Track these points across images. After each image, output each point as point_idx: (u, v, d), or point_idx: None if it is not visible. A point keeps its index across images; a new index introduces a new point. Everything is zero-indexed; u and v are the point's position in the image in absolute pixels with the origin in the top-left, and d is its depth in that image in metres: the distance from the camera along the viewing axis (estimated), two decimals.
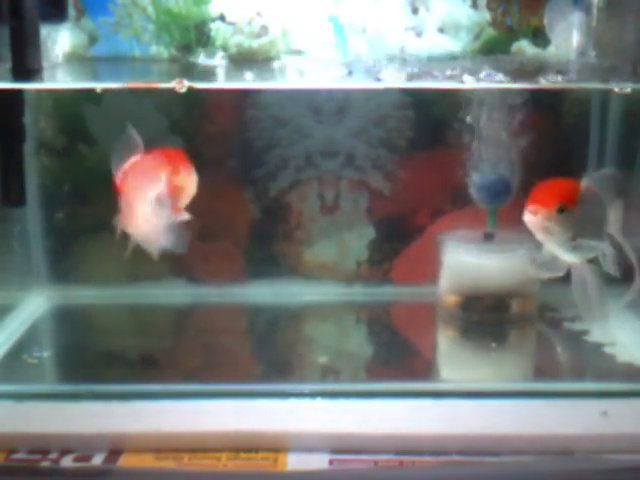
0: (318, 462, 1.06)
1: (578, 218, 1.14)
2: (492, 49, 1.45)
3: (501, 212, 1.44)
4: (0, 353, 1.34)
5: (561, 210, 1.13)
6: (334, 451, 1.08)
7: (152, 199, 1.16)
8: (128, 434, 1.10)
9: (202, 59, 1.38)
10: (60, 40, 1.40)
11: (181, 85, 1.19)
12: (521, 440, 1.09)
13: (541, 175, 1.52)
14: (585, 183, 1.18)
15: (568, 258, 1.19)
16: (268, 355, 1.38)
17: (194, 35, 1.40)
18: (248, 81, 1.27)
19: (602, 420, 1.13)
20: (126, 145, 1.17)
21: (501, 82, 1.21)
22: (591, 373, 1.35)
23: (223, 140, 1.54)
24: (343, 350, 1.42)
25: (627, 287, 1.27)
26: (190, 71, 1.37)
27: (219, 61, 1.38)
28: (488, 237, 1.46)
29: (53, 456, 1.08)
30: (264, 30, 1.39)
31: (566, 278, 1.36)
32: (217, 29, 1.39)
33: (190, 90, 1.20)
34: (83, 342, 1.43)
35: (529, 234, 1.46)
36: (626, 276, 1.24)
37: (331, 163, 1.56)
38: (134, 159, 1.17)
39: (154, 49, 1.42)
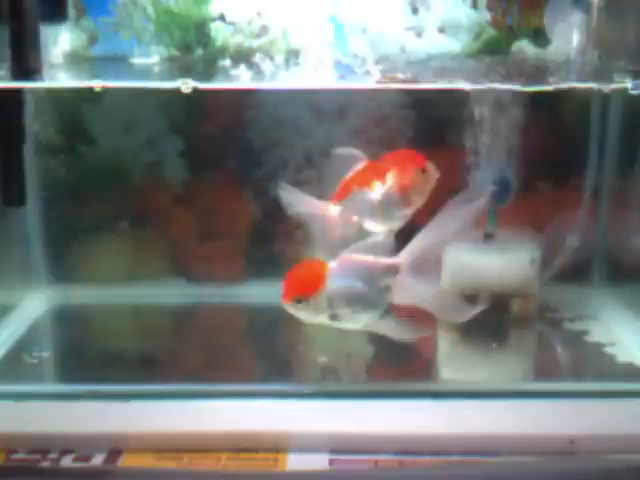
0: (318, 462, 1.06)
1: (331, 296, 1.14)
2: (492, 49, 1.45)
3: (501, 212, 1.44)
4: (0, 353, 1.34)
5: (298, 301, 1.16)
6: (334, 451, 1.08)
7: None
8: (128, 434, 1.10)
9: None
10: (60, 40, 1.40)
11: (187, 85, 1.19)
12: (521, 440, 1.09)
13: (541, 174, 1.53)
14: (355, 252, 1.20)
15: (357, 325, 1.19)
16: (268, 355, 1.38)
17: (194, 35, 1.40)
18: (247, 81, 1.27)
19: (602, 420, 1.13)
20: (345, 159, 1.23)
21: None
22: (591, 373, 1.35)
23: (223, 140, 1.54)
24: (343, 350, 1.42)
25: None
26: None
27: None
28: (488, 237, 1.45)
29: (53, 456, 1.08)
30: (264, 30, 1.39)
31: (565, 278, 1.36)
32: (217, 29, 1.39)
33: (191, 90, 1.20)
34: (83, 342, 1.43)
35: (529, 234, 1.46)
36: None
37: None
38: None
39: (154, 49, 1.42)
